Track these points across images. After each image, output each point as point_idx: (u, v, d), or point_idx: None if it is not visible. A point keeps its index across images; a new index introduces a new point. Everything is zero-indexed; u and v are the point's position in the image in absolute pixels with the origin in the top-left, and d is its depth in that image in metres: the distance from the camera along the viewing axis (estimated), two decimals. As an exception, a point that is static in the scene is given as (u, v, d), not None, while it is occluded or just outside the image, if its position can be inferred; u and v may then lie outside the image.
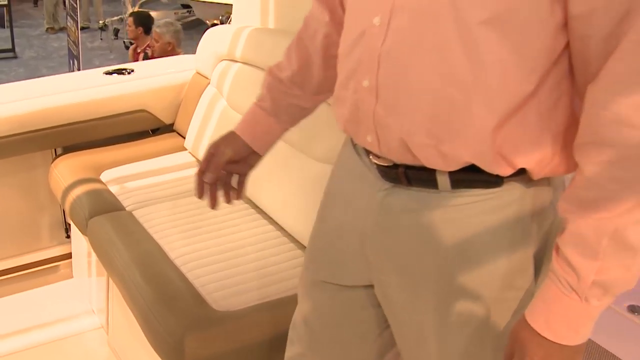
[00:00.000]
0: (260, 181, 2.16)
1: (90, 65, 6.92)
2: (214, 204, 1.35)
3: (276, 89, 1.38)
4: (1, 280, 2.63)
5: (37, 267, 2.70)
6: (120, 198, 2.30)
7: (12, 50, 8.29)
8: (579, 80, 0.99)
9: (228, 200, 1.38)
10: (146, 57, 5.78)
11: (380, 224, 1.17)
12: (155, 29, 5.55)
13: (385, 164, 1.13)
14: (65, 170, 2.45)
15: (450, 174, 1.07)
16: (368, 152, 1.17)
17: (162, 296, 1.75)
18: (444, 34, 0.97)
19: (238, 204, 2.22)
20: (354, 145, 1.24)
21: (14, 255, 2.65)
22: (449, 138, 1.02)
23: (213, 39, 2.70)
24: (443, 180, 1.08)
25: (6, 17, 8.66)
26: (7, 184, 2.58)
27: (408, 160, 1.09)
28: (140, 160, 2.56)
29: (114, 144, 2.69)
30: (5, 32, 8.65)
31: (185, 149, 2.64)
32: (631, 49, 0.88)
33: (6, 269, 2.64)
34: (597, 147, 0.93)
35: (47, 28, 9.62)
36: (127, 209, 2.24)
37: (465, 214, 1.08)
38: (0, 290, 2.61)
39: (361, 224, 1.21)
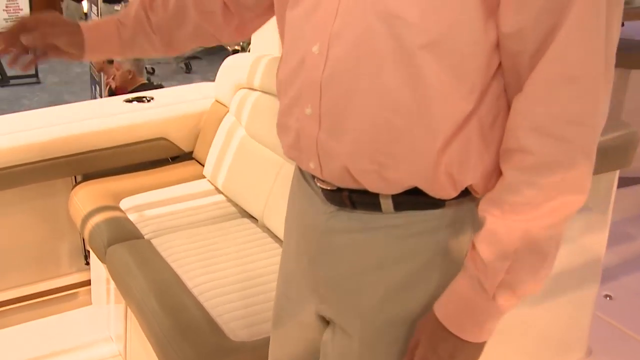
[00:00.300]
0: (279, 210, 2.16)
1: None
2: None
3: (141, 24, 1.38)
4: (21, 306, 2.64)
5: (56, 293, 2.71)
6: (138, 226, 2.31)
7: (36, 75, 8.39)
8: (511, 97, 1.00)
9: (12, 62, 1.31)
10: (110, 90, 5.51)
11: (322, 248, 1.18)
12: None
13: (330, 188, 1.13)
14: (85, 198, 2.47)
15: (394, 196, 1.07)
16: (314, 177, 1.17)
17: (178, 325, 1.75)
18: (383, 60, 0.98)
19: (256, 232, 2.23)
20: (301, 171, 1.24)
21: (34, 282, 2.66)
22: (393, 164, 1.03)
23: (232, 67, 2.72)
24: (386, 204, 1.08)
25: (30, 44, 8.78)
26: (27, 210, 2.60)
27: (351, 185, 1.09)
28: (159, 188, 2.57)
29: (133, 171, 2.71)
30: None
31: (204, 177, 2.65)
32: (550, 62, 0.92)
33: (26, 296, 2.65)
34: (518, 153, 0.97)
35: (70, 54, 9.72)
36: (145, 237, 2.25)
37: (405, 234, 1.09)
38: (19, 316, 2.62)
39: (310, 249, 1.21)
